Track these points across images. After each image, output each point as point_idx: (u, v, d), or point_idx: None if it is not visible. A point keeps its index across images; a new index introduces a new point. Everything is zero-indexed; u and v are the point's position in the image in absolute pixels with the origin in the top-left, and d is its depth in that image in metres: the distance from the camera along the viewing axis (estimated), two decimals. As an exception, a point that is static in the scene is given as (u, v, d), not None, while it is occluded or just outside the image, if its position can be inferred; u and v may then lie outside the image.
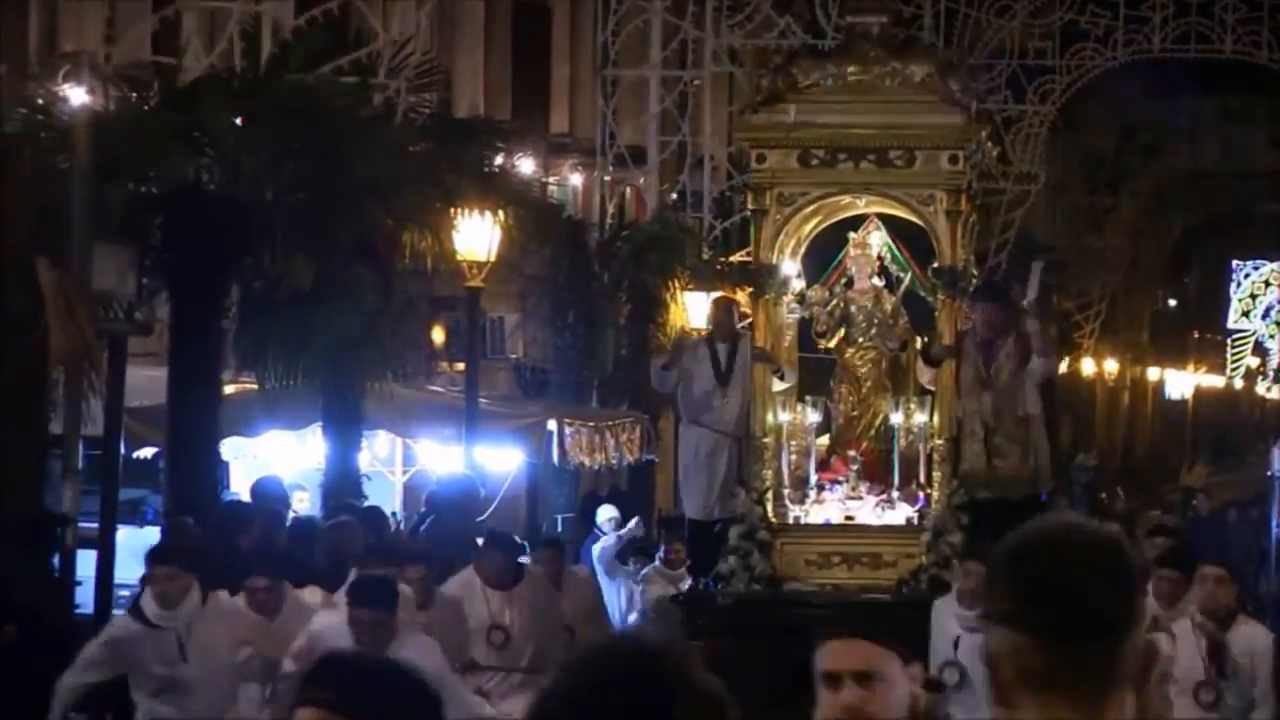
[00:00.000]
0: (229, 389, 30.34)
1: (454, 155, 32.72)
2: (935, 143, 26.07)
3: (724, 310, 28.00)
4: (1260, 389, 64.52)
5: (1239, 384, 62.67)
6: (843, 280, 26.98)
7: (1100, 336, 56.81)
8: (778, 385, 26.25)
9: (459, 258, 31.54)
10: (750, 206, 27.57)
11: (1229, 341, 62.90)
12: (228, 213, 28.39)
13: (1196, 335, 65.25)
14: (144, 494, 30.62)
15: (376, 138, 30.19)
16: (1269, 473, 36.08)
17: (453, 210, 31.22)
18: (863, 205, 26.71)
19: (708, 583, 23.84)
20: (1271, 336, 63.61)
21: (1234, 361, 63.05)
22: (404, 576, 20.36)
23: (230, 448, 30.40)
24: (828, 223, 27.57)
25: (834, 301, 26.91)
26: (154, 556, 19.21)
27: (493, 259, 31.97)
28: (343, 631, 17.46)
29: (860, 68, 26.32)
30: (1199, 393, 65.22)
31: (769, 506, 25.54)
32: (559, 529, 32.86)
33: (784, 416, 26.11)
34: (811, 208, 26.59)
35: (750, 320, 28.16)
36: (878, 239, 26.77)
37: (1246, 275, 59.71)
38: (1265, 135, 54.92)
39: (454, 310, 34.11)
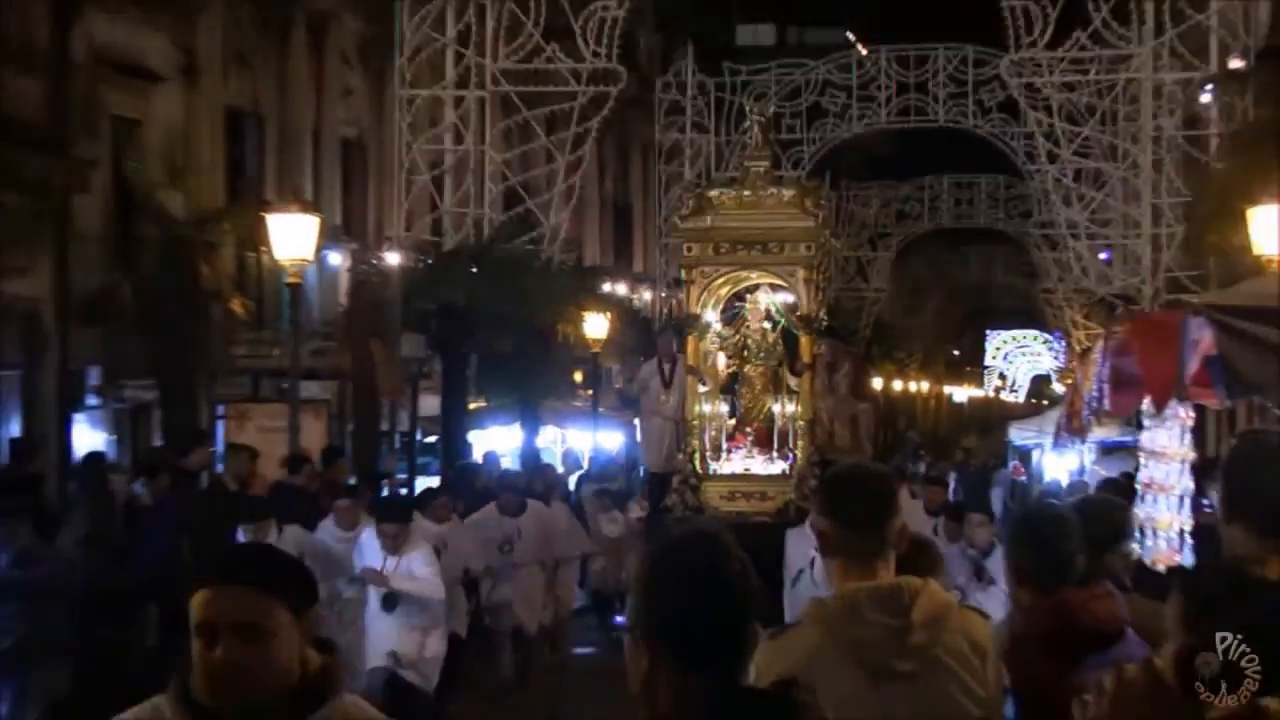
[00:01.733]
0: (472, 405, 29.91)
1: (583, 285, 32.38)
2: (796, 238, 22.77)
3: (666, 342, 26.36)
4: (1003, 396, 63.72)
5: (991, 394, 63.67)
6: (745, 325, 24.16)
7: (920, 370, 56.84)
8: (702, 389, 23.50)
9: (588, 337, 30.91)
10: (683, 279, 24.61)
11: (985, 371, 63.91)
12: (470, 316, 28.00)
13: (969, 369, 65.49)
14: (429, 459, 30.17)
15: (543, 277, 29.70)
16: (1006, 440, 36.21)
17: (583, 313, 30.56)
18: (755, 277, 24.03)
19: (659, 510, 22.49)
20: (1005, 370, 63.06)
21: (987, 382, 64.08)
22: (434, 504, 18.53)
23: (472, 436, 29.68)
24: (736, 289, 24.73)
25: (737, 336, 24.46)
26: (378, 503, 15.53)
27: (604, 337, 31.32)
28: (371, 540, 14.22)
29: (751, 191, 25.88)
30: (971, 400, 64.21)
31: (697, 463, 23.14)
32: (643, 475, 32.96)
33: (707, 408, 23.53)
34: (722, 279, 24.00)
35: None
36: (764, 297, 24.26)
37: (994, 336, 61.58)
38: (1005, 267, 54.40)
39: (586, 364, 33.28)
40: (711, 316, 24.80)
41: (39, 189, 22.70)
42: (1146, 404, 12.71)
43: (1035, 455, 30.19)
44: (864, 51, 43.36)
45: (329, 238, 25.67)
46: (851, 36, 47.97)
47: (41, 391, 22.80)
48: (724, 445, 24.15)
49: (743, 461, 23.70)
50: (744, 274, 24.46)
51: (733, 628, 3.42)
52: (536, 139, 32.28)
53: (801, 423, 23.68)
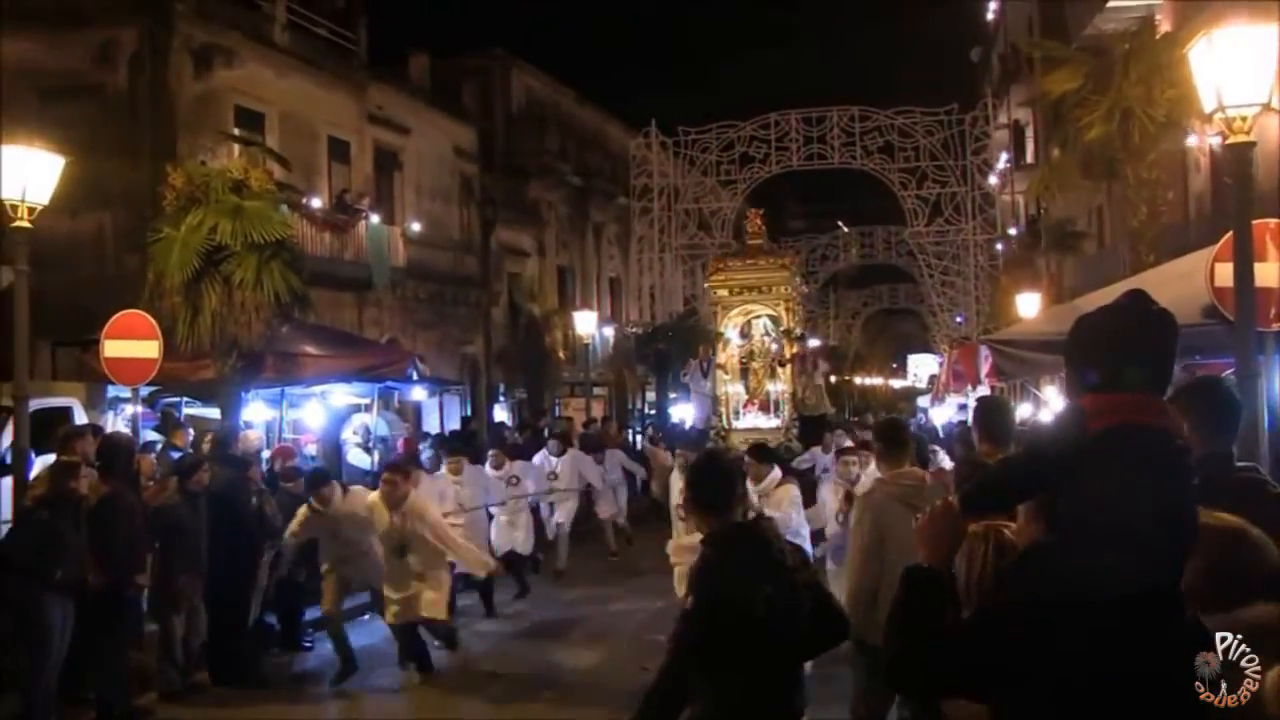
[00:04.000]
0: (671, 395, 25.84)
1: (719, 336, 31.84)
2: (779, 283, 20.46)
3: (703, 350, 21.35)
4: (916, 385, 56.04)
5: (910, 384, 56.99)
6: (752, 338, 21.19)
7: (878, 373, 54.09)
8: (725, 377, 20.99)
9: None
10: (712, 308, 21.72)
11: (906, 373, 58.36)
12: (667, 354, 25.43)
13: (900, 372, 58.95)
14: (650, 420, 26.16)
15: (698, 335, 27.91)
16: (916, 404, 35.01)
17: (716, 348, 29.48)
18: (756, 309, 21.06)
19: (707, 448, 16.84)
20: (918, 372, 54.85)
21: (909, 378, 57.71)
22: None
23: (671, 410, 25.04)
24: (746, 317, 21.34)
25: (747, 345, 21.32)
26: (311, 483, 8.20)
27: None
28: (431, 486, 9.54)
29: (753, 258, 20.56)
30: (901, 387, 57.24)
31: (726, 420, 20.52)
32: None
33: (730, 388, 20.96)
34: (737, 309, 21.08)
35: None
36: (765, 320, 21.03)
37: (912, 358, 56.55)
38: (915, 325, 46.19)
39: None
40: (734, 334, 21.65)
41: (477, 305, 22.99)
42: (969, 386, 12.52)
43: (929, 410, 29.10)
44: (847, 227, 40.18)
45: (603, 321, 25.41)
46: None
47: (549, 397, 23.00)
48: (740, 410, 21.00)
49: (752, 420, 20.69)
50: (749, 306, 21.13)
51: (727, 493, 3.19)
52: (696, 273, 31.96)
53: (787, 394, 20.72)
